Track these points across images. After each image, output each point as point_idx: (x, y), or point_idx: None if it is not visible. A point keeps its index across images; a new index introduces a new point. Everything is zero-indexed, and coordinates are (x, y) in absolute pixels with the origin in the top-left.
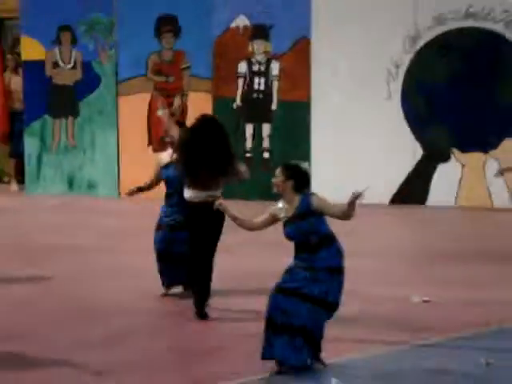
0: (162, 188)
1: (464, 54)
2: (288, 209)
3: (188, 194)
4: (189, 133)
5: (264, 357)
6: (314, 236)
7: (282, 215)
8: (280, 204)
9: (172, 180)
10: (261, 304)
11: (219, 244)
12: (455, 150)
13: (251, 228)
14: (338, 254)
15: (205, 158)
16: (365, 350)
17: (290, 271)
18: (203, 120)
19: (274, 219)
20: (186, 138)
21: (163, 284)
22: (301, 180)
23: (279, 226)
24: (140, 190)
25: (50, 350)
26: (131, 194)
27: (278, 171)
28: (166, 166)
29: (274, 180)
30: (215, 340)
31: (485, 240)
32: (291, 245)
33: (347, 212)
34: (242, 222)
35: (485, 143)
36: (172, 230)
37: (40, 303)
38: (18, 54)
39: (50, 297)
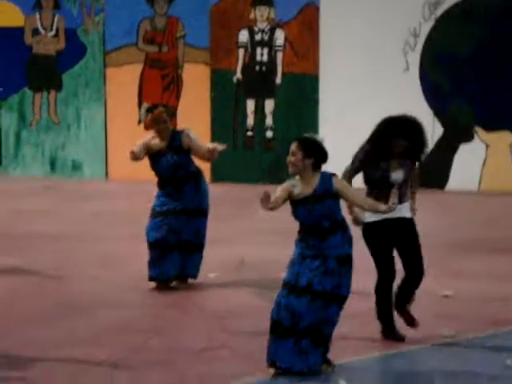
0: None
1: (489, 20)
2: (304, 188)
3: None
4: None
5: (268, 362)
6: (326, 221)
7: (296, 192)
8: (294, 181)
9: (167, 169)
10: (263, 298)
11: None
12: (479, 129)
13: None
14: (349, 241)
15: None
16: (376, 350)
17: (298, 263)
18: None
19: (287, 197)
20: None
21: (151, 279)
22: (321, 157)
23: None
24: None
25: (30, 348)
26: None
27: (295, 147)
28: (159, 154)
29: (290, 158)
30: (211, 337)
31: (502, 226)
32: (293, 233)
33: (373, 206)
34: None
35: (511, 121)
36: (167, 217)
37: (21, 296)
38: None
39: (30, 289)
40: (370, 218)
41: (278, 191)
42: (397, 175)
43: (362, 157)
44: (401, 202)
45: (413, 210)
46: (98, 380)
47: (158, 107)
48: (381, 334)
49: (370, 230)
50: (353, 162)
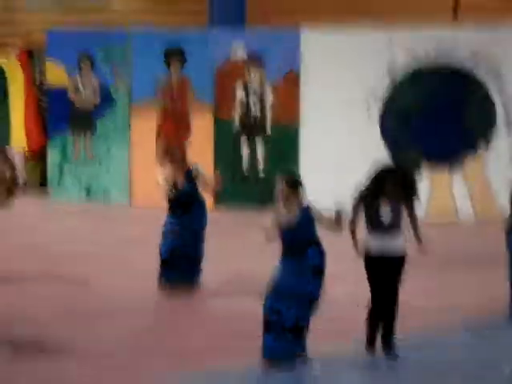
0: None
1: (434, 85)
2: (288, 216)
3: None
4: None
5: (263, 356)
6: (305, 242)
7: (283, 220)
8: (278, 211)
9: (180, 197)
10: (258, 305)
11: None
12: (425, 169)
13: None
14: (323, 255)
15: None
16: (348, 344)
17: (278, 273)
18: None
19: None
20: None
21: (161, 285)
22: (303, 190)
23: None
24: None
25: (61, 344)
26: None
27: (284, 182)
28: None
29: (280, 190)
30: (214, 339)
31: (450, 250)
32: (277, 248)
33: (336, 227)
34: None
35: (452, 163)
36: (175, 237)
37: (55, 302)
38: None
39: (58, 296)
40: (371, 250)
41: (272, 225)
42: (386, 209)
43: (356, 203)
44: (393, 237)
45: (418, 239)
46: (115, 380)
47: (173, 148)
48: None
49: (371, 262)
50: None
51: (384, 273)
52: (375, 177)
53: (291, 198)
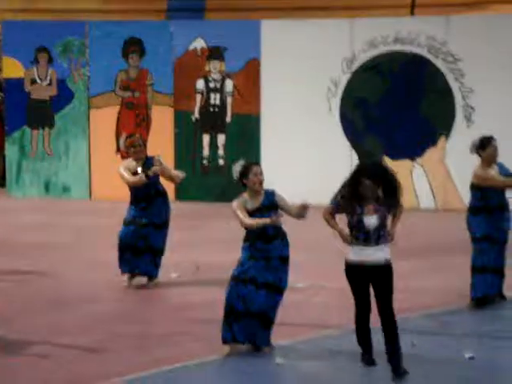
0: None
1: (393, 74)
2: (254, 202)
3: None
4: None
5: (225, 341)
6: (271, 228)
7: (249, 206)
8: (242, 198)
9: (142, 188)
10: (216, 293)
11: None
12: (386, 158)
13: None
14: (287, 245)
15: None
16: (311, 332)
17: (245, 263)
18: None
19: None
20: None
21: (123, 272)
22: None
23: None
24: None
25: (26, 336)
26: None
27: (261, 170)
28: (135, 174)
29: (260, 177)
30: (175, 325)
31: (411, 237)
32: (238, 239)
33: (300, 213)
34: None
35: (412, 152)
36: (137, 227)
37: (20, 293)
38: None
39: (28, 287)
40: (350, 258)
41: (238, 211)
42: (370, 220)
43: (340, 202)
44: (378, 243)
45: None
46: (86, 363)
47: (135, 135)
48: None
49: (349, 270)
50: (333, 199)
51: (365, 282)
52: (352, 174)
53: (258, 184)
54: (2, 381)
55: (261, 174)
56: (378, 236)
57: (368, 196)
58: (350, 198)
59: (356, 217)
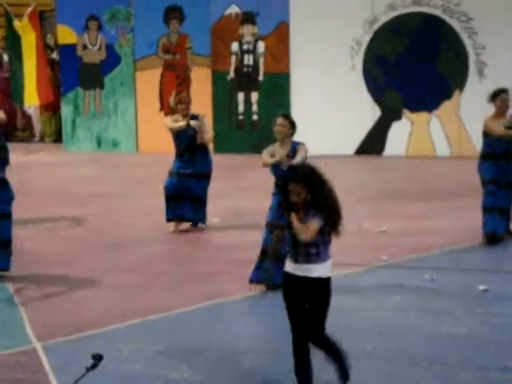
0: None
1: (411, 33)
2: (281, 151)
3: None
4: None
5: (256, 281)
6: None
7: (278, 155)
8: (273, 147)
9: (185, 141)
10: (253, 236)
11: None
12: (405, 111)
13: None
14: None
15: None
16: (338, 270)
17: (275, 209)
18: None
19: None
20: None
21: (168, 220)
22: (295, 129)
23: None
24: None
25: (87, 273)
26: None
27: (282, 121)
28: (182, 130)
29: (280, 128)
30: (217, 265)
31: (427, 182)
32: (270, 185)
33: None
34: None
35: (428, 105)
36: (181, 177)
37: (80, 236)
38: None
39: (87, 231)
40: (286, 268)
41: (263, 154)
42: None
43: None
44: (308, 262)
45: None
46: (137, 297)
47: (182, 92)
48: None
49: (284, 283)
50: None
51: (297, 293)
52: (283, 182)
53: (286, 135)
54: (66, 312)
55: (282, 125)
56: (308, 253)
57: (294, 201)
58: (285, 209)
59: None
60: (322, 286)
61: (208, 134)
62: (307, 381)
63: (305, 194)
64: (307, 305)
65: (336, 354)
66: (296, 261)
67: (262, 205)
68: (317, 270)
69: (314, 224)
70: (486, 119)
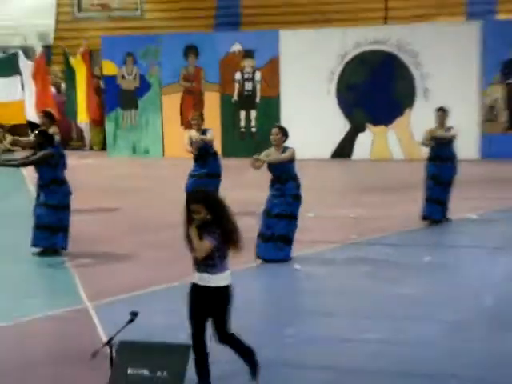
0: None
1: (373, 65)
2: (276, 154)
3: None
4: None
5: (257, 256)
6: (285, 173)
7: (271, 159)
8: (269, 150)
9: (199, 148)
10: (253, 221)
11: (228, 184)
12: (369, 125)
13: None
14: (299, 186)
15: None
16: (318, 247)
17: (270, 200)
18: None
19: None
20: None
21: None
22: (287, 137)
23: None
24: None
25: (127, 249)
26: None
27: (277, 131)
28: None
29: (275, 137)
30: None
31: (386, 179)
32: (267, 182)
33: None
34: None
35: (386, 120)
36: (197, 177)
37: (120, 221)
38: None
39: (124, 217)
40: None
41: (262, 156)
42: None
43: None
44: (207, 272)
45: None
46: (166, 267)
47: (196, 112)
48: None
49: (189, 291)
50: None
51: (198, 301)
52: (185, 201)
53: (280, 142)
54: (111, 279)
55: (277, 134)
56: (206, 264)
57: (194, 219)
58: (186, 226)
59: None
60: (220, 294)
61: (207, 138)
62: (206, 371)
63: (204, 213)
64: (210, 310)
65: (243, 351)
66: (198, 271)
67: (260, 196)
68: (214, 280)
69: (206, 243)
70: (427, 129)
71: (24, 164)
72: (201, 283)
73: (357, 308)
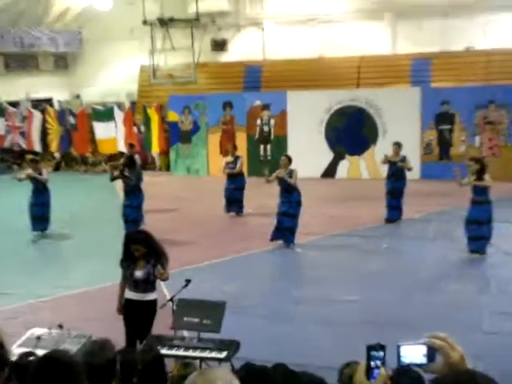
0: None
1: (350, 115)
2: (283, 172)
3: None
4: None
5: (272, 239)
6: (290, 186)
7: (280, 175)
8: (279, 171)
9: (232, 169)
10: (269, 220)
11: (252, 194)
12: (347, 155)
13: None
14: (300, 195)
15: None
16: (312, 237)
17: (281, 204)
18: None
19: (277, 176)
20: None
21: (227, 211)
22: (291, 162)
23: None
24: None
25: (186, 238)
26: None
27: (284, 158)
28: (229, 163)
29: (284, 162)
30: (251, 232)
31: (355, 192)
32: (278, 193)
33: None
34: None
35: (359, 152)
36: (229, 190)
37: (177, 219)
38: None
39: (180, 216)
40: (128, 296)
41: (274, 175)
42: (139, 273)
43: (123, 264)
44: (145, 291)
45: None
46: (207, 250)
47: (230, 145)
48: None
49: (125, 304)
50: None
51: (133, 311)
52: (123, 242)
53: (287, 165)
54: (172, 256)
55: (283, 160)
56: (145, 286)
57: (136, 255)
58: (125, 259)
59: (129, 271)
60: (150, 305)
61: (240, 168)
62: None
63: (143, 249)
64: (141, 318)
65: None
66: (135, 291)
67: (273, 202)
68: (148, 296)
69: (160, 269)
70: (385, 154)
71: (128, 178)
72: (136, 298)
73: (340, 278)
